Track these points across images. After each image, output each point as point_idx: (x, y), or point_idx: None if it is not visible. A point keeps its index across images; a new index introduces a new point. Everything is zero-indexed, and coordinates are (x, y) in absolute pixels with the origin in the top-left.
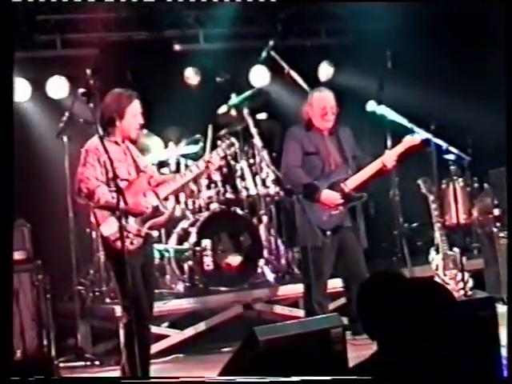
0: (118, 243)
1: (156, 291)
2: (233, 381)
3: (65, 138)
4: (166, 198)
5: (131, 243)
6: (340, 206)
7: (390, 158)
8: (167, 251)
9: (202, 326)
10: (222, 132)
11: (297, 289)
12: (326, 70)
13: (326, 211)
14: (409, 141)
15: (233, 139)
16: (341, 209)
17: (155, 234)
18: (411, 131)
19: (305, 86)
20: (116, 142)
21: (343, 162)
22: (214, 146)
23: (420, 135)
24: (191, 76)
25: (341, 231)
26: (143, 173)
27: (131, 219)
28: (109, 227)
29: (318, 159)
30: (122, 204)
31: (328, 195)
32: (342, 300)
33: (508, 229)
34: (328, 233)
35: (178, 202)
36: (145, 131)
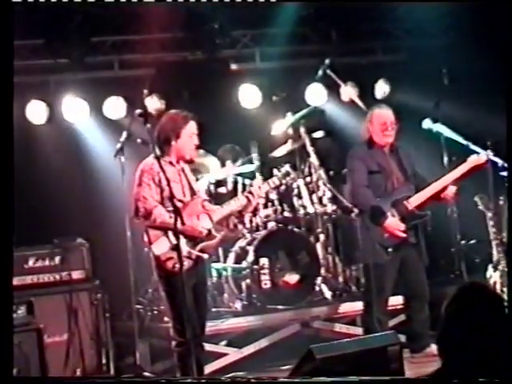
0: (168, 263)
1: (213, 310)
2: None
3: (122, 158)
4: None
5: (181, 264)
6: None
7: (453, 177)
8: (225, 270)
9: (260, 344)
10: (278, 151)
11: (355, 306)
12: (382, 88)
13: None
14: (473, 161)
15: (288, 168)
16: (403, 226)
17: (205, 256)
18: (467, 148)
19: (361, 104)
20: (171, 163)
21: (405, 180)
22: (267, 164)
23: (485, 155)
24: (247, 95)
25: (403, 248)
26: (197, 196)
27: (182, 241)
28: (160, 247)
29: (381, 177)
30: (179, 224)
31: (392, 223)
32: (402, 317)
33: (508, 229)
34: (390, 250)
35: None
36: (201, 151)
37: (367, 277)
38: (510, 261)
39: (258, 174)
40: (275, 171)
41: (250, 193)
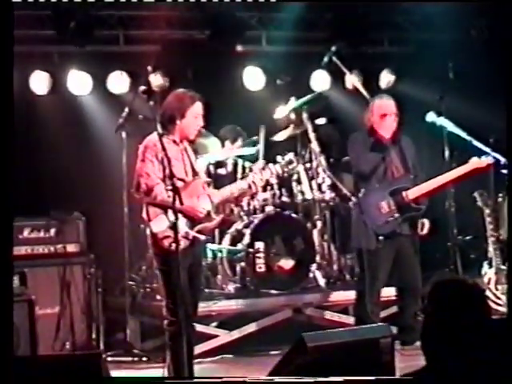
0: (165, 241)
1: (206, 291)
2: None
3: (123, 134)
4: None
5: (178, 244)
6: (396, 214)
7: (453, 176)
8: (220, 251)
9: (251, 328)
10: (280, 135)
11: (348, 295)
12: (386, 78)
13: (382, 216)
14: (475, 163)
15: (291, 157)
16: (397, 216)
17: (202, 237)
18: (469, 144)
19: (365, 92)
20: (174, 141)
21: (405, 171)
22: (268, 148)
23: (487, 158)
24: (252, 77)
25: (397, 239)
26: (199, 176)
27: (182, 220)
28: (158, 224)
29: (380, 164)
30: (177, 203)
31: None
32: (394, 309)
33: (508, 229)
34: (381, 238)
35: (230, 211)
36: (203, 131)
37: (361, 264)
38: (509, 259)
39: (260, 158)
40: (278, 158)
41: (254, 183)
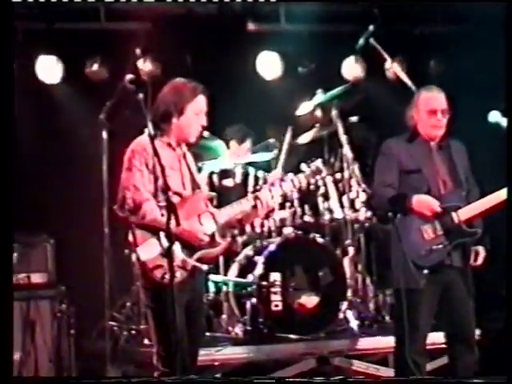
0: (157, 272)
1: (208, 334)
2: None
3: (104, 134)
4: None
5: (173, 275)
6: (444, 240)
7: None
8: (225, 284)
9: (264, 382)
10: (302, 138)
11: (387, 342)
12: (437, 66)
13: (425, 244)
14: None
15: (320, 164)
16: (445, 243)
17: (204, 267)
18: None
19: (410, 83)
20: (169, 145)
21: (455, 185)
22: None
23: None
24: (267, 63)
25: (445, 272)
26: (200, 190)
27: (177, 246)
28: (148, 250)
29: (420, 179)
30: (172, 224)
31: (421, 200)
32: (444, 360)
33: (508, 229)
34: (425, 271)
35: (240, 232)
36: (206, 133)
37: (399, 304)
38: (509, 261)
39: (279, 166)
40: (303, 166)
41: (260, 200)
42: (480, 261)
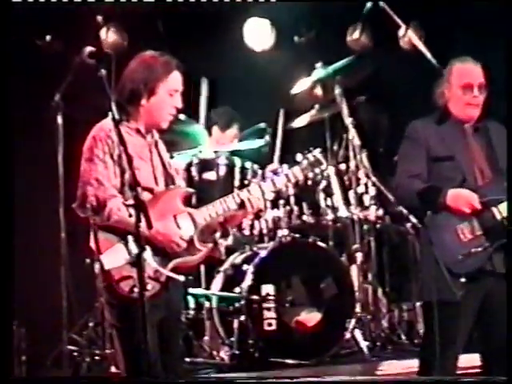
0: (124, 285)
1: (187, 360)
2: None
3: (59, 118)
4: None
5: (143, 288)
6: (484, 241)
7: None
8: (208, 299)
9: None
10: (299, 120)
11: (403, 366)
12: (464, 34)
13: (462, 247)
14: None
15: (319, 155)
16: (485, 245)
17: (181, 278)
18: None
19: (429, 55)
20: (138, 131)
21: (495, 175)
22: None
23: None
24: (256, 33)
25: (485, 280)
26: (175, 185)
27: (148, 252)
28: (113, 258)
29: (453, 167)
30: (142, 226)
31: (459, 194)
32: None
33: (507, 229)
34: (462, 279)
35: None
36: (182, 117)
37: (428, 320)
38: (509, 261)
39: (276, 156)
40: (299, 156)
41: (249, 200)
42: None
